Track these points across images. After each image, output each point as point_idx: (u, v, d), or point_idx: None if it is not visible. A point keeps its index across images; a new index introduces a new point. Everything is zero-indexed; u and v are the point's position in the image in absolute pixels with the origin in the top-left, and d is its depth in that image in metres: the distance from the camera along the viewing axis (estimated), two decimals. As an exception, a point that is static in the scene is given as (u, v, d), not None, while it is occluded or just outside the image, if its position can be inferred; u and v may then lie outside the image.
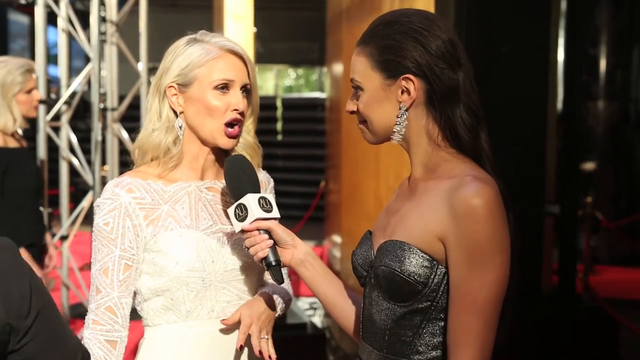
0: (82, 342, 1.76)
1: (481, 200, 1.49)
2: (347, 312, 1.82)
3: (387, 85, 1.61)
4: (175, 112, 1.90)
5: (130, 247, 1.82)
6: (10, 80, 3.73)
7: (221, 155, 1.96)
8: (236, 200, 1.78)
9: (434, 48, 1.58)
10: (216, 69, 1.85)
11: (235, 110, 1.86)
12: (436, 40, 1.58)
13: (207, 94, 1.85)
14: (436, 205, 1.55)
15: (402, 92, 1.60)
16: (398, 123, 1.62)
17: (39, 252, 3.95)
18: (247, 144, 1.97)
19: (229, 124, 1.87)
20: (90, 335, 1.80)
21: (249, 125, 1.97)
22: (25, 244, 3.62)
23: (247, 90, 1.91)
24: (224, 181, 1.97)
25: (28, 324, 1.34)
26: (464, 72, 1.60)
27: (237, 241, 1.90)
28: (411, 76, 1.58)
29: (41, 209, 4.09)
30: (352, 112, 1.69)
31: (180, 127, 1.89)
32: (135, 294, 1.88)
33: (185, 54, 1.87)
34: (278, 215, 1.80)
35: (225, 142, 1.88)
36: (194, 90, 1.86)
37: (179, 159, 1.90)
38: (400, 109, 1.61)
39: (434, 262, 1.55)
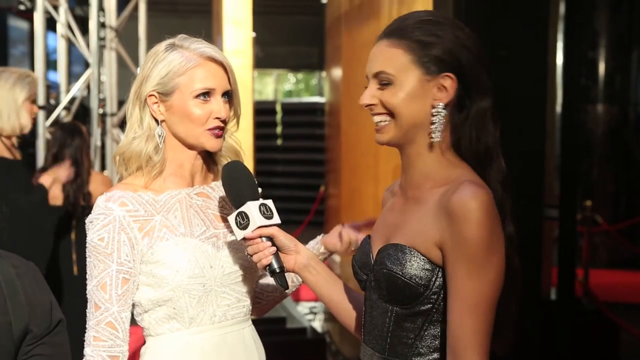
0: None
1: (476, 203, 1.49)
2: (352, 314, 1.82)
3: (427, 81, 1.58)
4: (156, 120, 1.88)
5: (127, 261, 1.80)
6: (21, 87, 3.74)
7: (207, 159, 1.95)
8: (237, 208, 1.77)
9: (473, 49, 1.58)
10: (196, 77, 1.83)
11: (218, 118, 1.86)
12: (474, 41, 1.59)
13: (188, 103, 1.84)
14: (433, 212, 1.56)
15: (438, 90, 1.58)
16: (435, 122, 1.58)
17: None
18: (229, 148, 1.96)
19: (212, 129, 1.86)
20: (92, 352, 1.79)
21: (231, 129, 1.96)
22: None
23: (228, 94, 1.90)
24: (212, 185, 1.97)
25: (44, 333, 1.45)
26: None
27: (231, 244, 1.90)
28: (452, 75, 1.57)
29: None
30: (368, 106, 1.63)
31: (160, 136, 1.88)
32: (133, 305, 1.87)
33: (165, 62, 1.85)
34: (279, 221, 1.79)
35: (212, 145, 1.87)
36: (175, 99, 1.85)
37: (161, 166, 1.88)
38: (435, 107, 1.58)
39: (435, 265, 1.56)
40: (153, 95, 1.86)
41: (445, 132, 1.60)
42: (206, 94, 1.85)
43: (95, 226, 1.81)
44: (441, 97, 1.58)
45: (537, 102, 4.30)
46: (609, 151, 9.27)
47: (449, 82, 1.57)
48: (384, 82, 1.60)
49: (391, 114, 1.60)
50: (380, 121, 1.62)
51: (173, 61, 1.84)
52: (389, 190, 1.81)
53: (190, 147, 1.89)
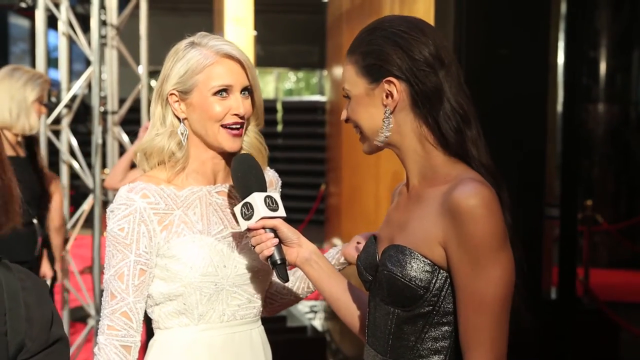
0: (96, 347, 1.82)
1: (478, 200, 1.49)
2: (353, 311, 1.82)
3: (371, 89, 1.63)
4: (179, 118, 1.90)
5: (145, 252, 1.82)
6: (32, 87, 3.77)
7: (230, 158, 1.96)
8: (242, 199, 1.79)
9: (415, 51, 1.59)
10: (214, 75, 1.85)
11: (236, 114, 1.87)
12: (417, 43, 1.59)
13: (207, 101, 1.86)
14: (435, 211, 1.56)
15: (386, 96, 1.61)
16: (384, 125, 1.62)
17: (31, 270, 3.90)
18: (251, 144, 1.97)
19: (231, 127, 1.88)
20: (105, 340, 1.81)
21: (253, 126, 1.98)
22: (17, 260, 3.59)
23: (248, 90, 1.91)
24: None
25: (38, 349, 1.41)
26: (448, 73, 1.60)
27: (246, 245, 1.91)
28: (393, 79, 1.60)
29: (34, 221, 3.96)
30: (346, 121, 1.71)
31: (183, 133, 1.90)
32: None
33: (184, 60, 1.87)
34: (284, 214, 1.80)
35: (230, 145, 1.89)
36: (195, 97, 1.87)
37: (184, 162, 1.90)
38: (385, 113, 1.62)
39: (435, 267, 1.56)
40: (174, 93, 1.88)
41: (424, 132, 1.61)
42: (224, 90, 1.86)
43: (116, 216, 1.82)
44: (388, 102, 1.62)
45: (538, 101, 4.31)
46: (610, 150, 9.27)
47: (392, 87, 1.60)
48: (345, 96, 1.69)
49: (357, 126, 1.68)
50: (357, 133, 1.70)
51: (191, 59, 1.86)
52: (397, 189, 1.81)
53: (210, 146, 1.91)
